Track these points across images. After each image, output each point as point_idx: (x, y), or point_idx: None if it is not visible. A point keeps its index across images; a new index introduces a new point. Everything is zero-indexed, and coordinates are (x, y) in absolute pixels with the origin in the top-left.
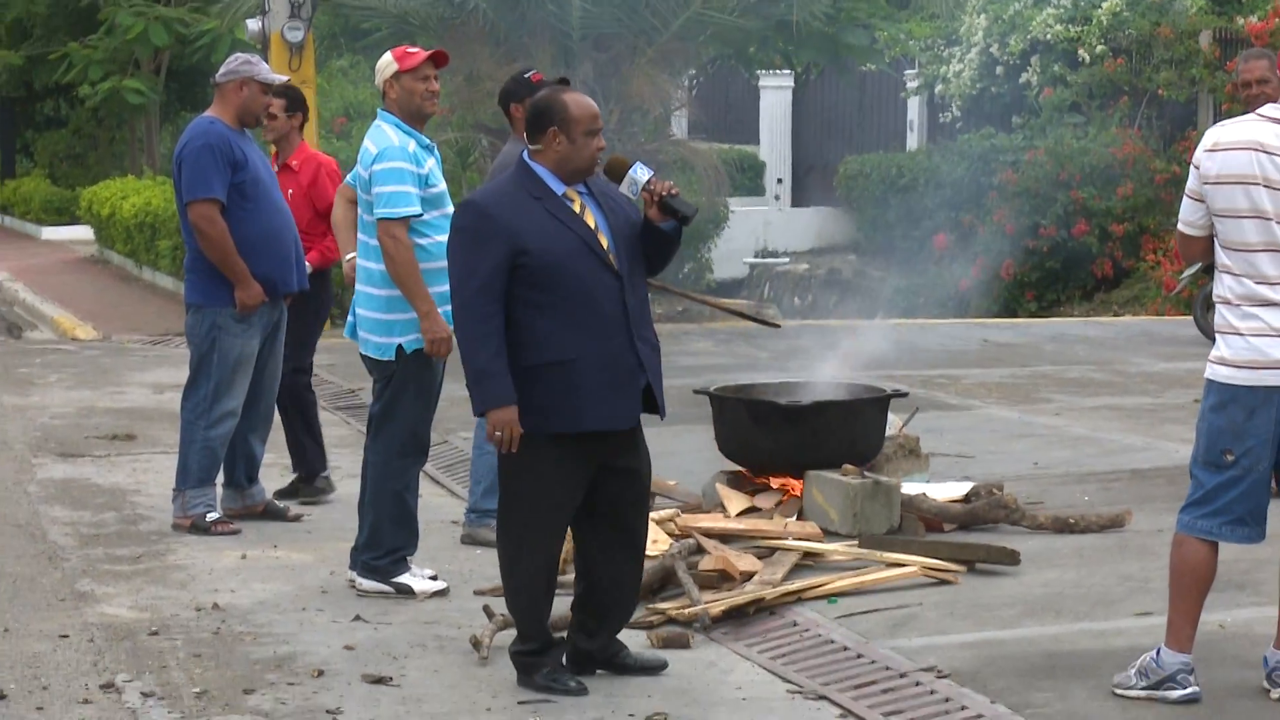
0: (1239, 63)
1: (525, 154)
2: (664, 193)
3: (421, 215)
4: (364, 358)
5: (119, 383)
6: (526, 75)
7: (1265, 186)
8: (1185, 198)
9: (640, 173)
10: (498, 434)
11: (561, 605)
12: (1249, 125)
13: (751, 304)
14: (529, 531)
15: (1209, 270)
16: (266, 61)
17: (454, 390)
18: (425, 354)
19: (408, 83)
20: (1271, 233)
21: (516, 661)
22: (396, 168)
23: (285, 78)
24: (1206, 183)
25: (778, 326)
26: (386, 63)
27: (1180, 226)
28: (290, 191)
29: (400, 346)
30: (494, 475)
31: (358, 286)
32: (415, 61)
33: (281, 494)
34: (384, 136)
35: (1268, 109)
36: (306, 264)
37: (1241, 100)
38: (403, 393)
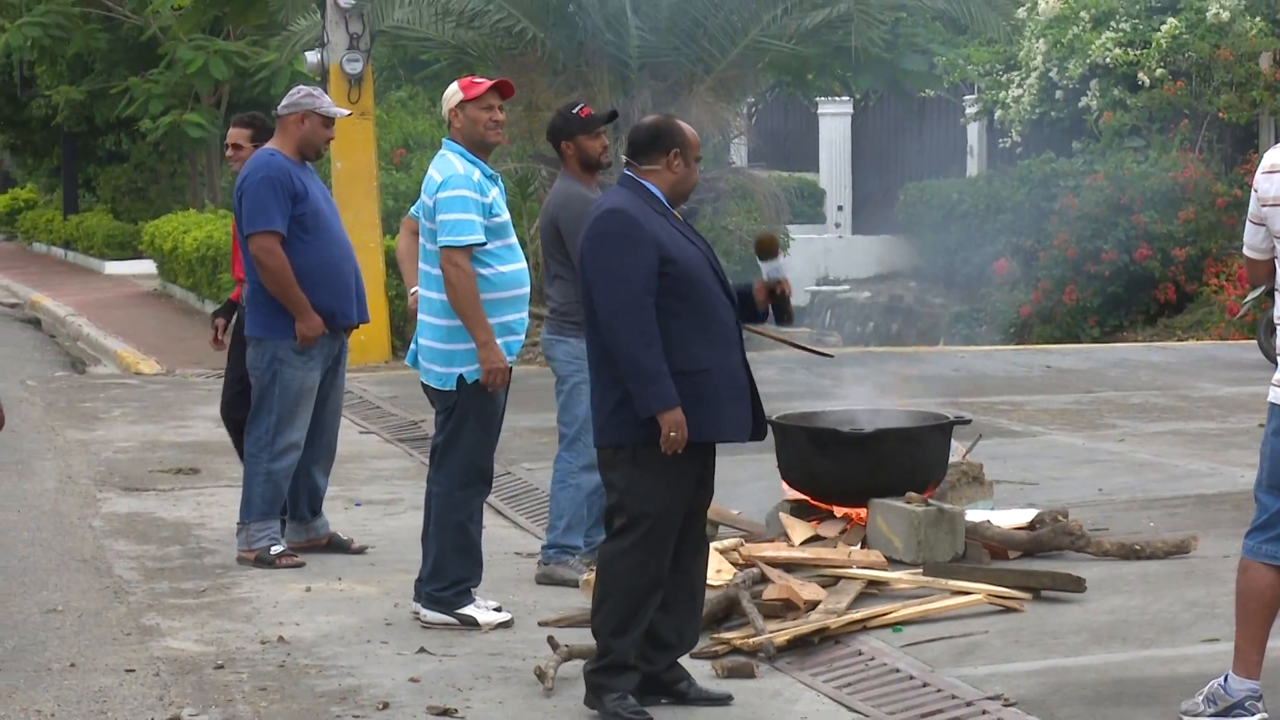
0: None
1: (629, 173)
2: (786, 293)
3: (485, 244)
4: (425, 388)
5: (182, 416)
6: (575, 110)
7: None
8: (1248, 222)
9: (784, 268)
10: (673, 435)
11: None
12: None
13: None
14: (651, 542)
15: (1272, 294)
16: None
17: (516, 421)
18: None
19: (472, 112)
20: None
21: (592, 681)
22: (461, 196)
23: (347, 110)
24: (1265, 205)
25: (829, 356)
26: (452, 92)
27: (1245, 250)
28: None
29: (461, 376)
30: (576, 509)
31: (420, 316)
32: (479, 91)
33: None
34: (449, 165)
35: None
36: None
37: None
38: (464, 423)
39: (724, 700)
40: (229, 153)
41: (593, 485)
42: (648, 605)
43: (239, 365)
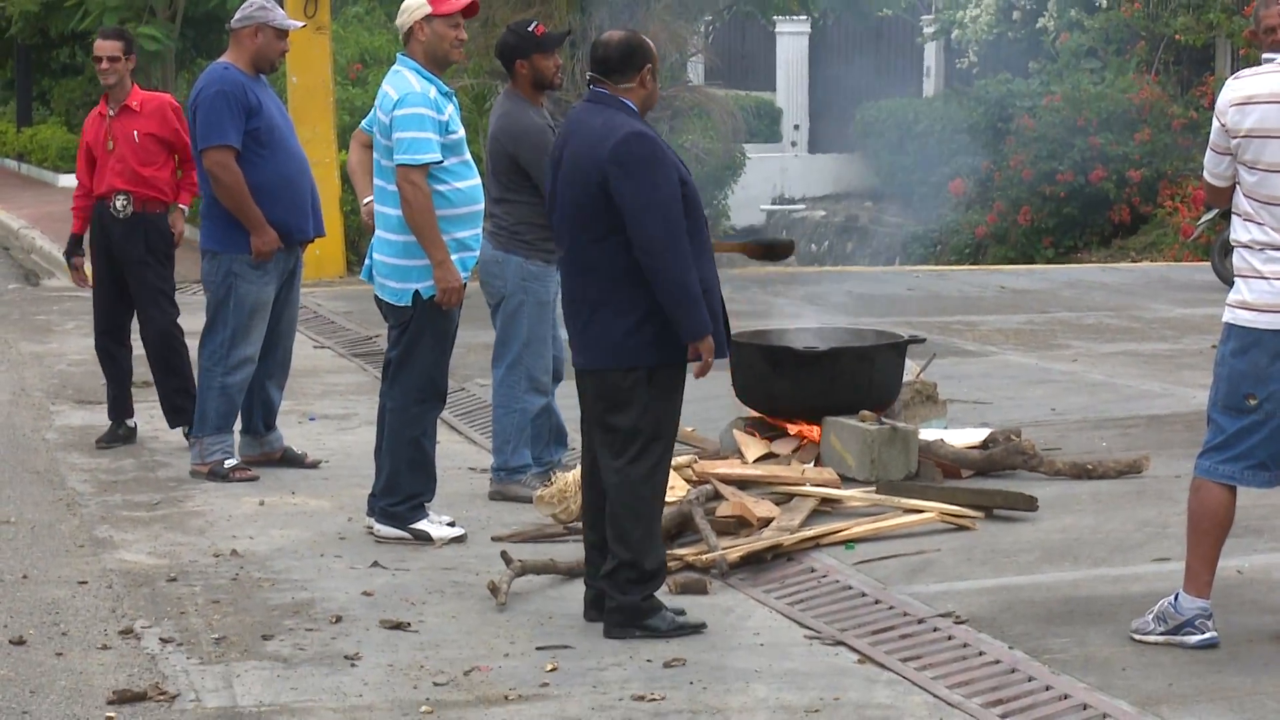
0: (1258, 7)
1: (604, 91)
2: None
3: (442, 162)
4: (379, 303)
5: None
6: (530, 28)
7: None
8: (1210, 150)
9: None
10: (709, 360)
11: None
12: (1276, 78)
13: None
14: (668, 458)
15: (1227, 216)
16: (283, 8)
17: (471, 337)
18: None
19: (440, 27)
20: None
21: (646, 608)
22: (418, 113)
23: (301, 23)
24: (1236, 136)
25: (790, 253)
26: (418, 4)
27: (1207, 178)
28: (135, 133)
29: (417, 292)
30: (522, 432)
31: (377, 232)
32: (449, 9)
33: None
34: (405, 82)
35: None
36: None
37: (1262, 46)
38: (420, 339)
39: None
40: (103, 65)
41: (538, 407)
42: (661, 519)
43: (110, 293)
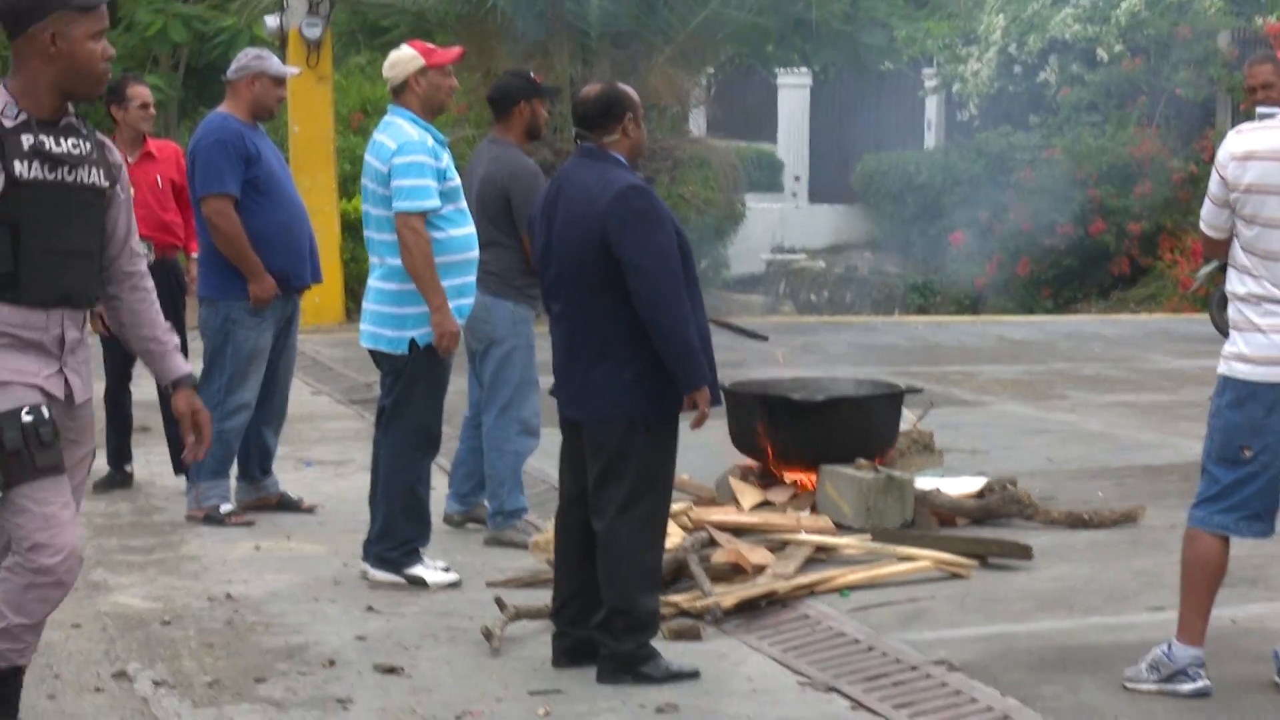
0: (1245, 67)
1: (592, 145)
2: None
3: (440, 209)
4: (372, 353)
5: (135, 375)
6: (528, 74)
7: None
8: (1209, 202)
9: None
10: (706, 412)
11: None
12: (1276, 134)
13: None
14: (661, 512)
15: (1224, 269)
16: (284, 59)
17: (464, 383)
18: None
19: (435, 78)
20: None
21: (640, 655)
22: (417, 161)
23: (296, 70)
24: (1236, 191)
25: (764, 339)
26: (410, 56)
27: (1204, 229)
28: (159, 179)
29: (414, 340)
30: (517, 476)
31: (370, 282)
32: (443, 60)
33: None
34: (402, 131)
35: None
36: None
37: (1250, 104)
38: (414, 386)
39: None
40: (148, 110)
41: (531, 449)
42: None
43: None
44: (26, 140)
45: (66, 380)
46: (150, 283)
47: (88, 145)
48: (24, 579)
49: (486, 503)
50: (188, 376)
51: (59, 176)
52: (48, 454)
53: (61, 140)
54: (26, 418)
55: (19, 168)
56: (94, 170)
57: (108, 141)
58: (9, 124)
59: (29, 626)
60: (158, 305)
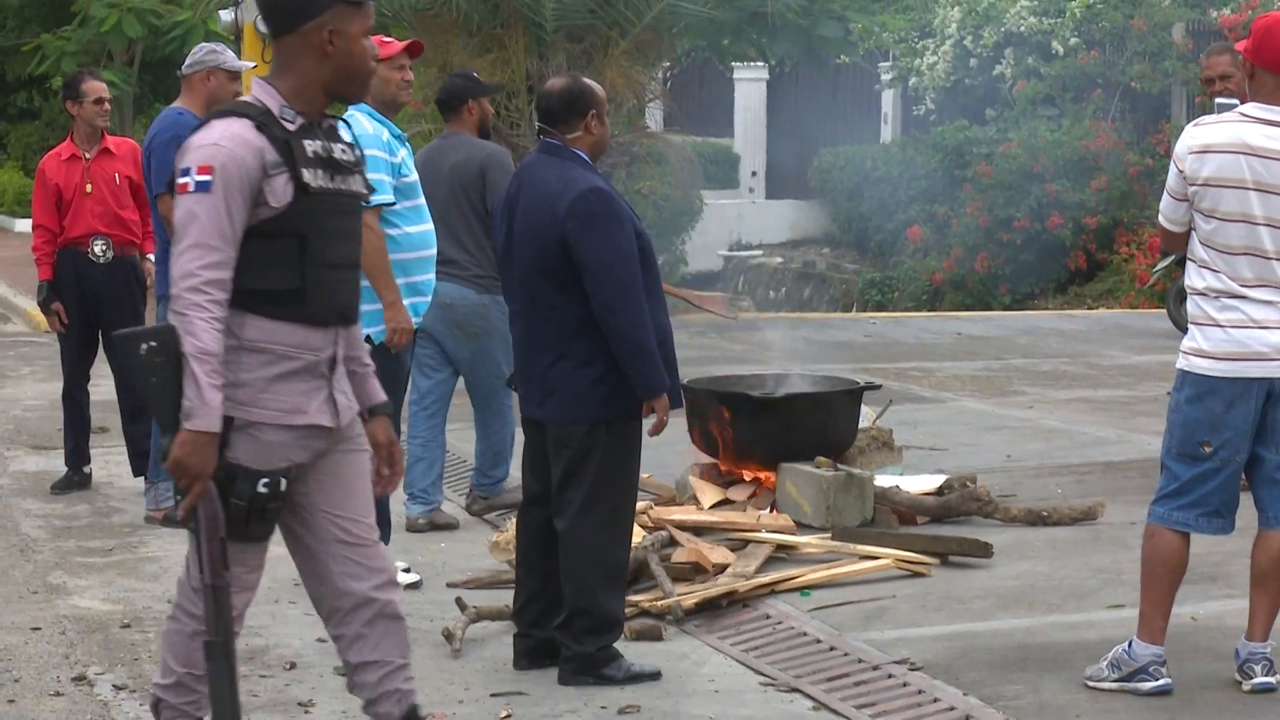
0: (1202, 58)
1: (554, 141)
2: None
3: (394, 205)
4: None
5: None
6: (472, 73)
7: (1256, 190)
8: (1167, 195)
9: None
10: (665, 419)
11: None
12: (1234, 127)
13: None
14: (625, 515)
15: (1182, 263)
16: (239, 53)
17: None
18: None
19: (384, 72)
20: (1256, 236)
21: (601, 657)
22: (371, 155)
23: (251, 64)
24: (1194, 184)
25: (733, 319)
26: None
27: (1162, 222)
28: (116, 176)
29: (368, 337)
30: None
31: None
32: (392, 51)
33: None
34: (358, 125)
35: (1250, 108)
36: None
37: (1207, 95)
38: None
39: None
40: (103, 105)
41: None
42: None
43: (81, 340)
44: (310, 146)
45: (335, 403)
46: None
47: (354, 150)
48: (189, 627)
49: (477, 476)
50: (386, 404)
51: (336, 185)
52: (263, 526)
53: (333, 145)
54: (263, 489)
55: (307, 175)
56: (359, 177)
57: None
58: (291, 128)
59: (198, 677)
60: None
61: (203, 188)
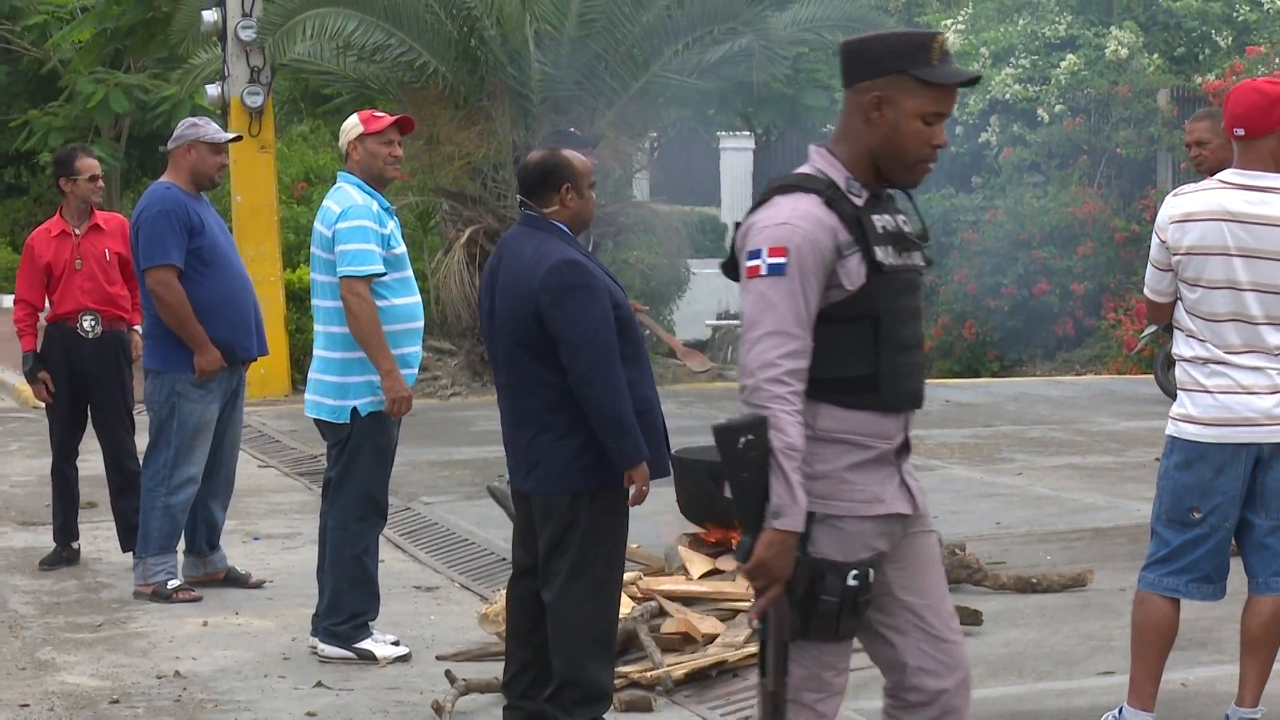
0: (1187, 123)
1: (532, 214)
2: None
3: (384, 275)
4: (317, 423)
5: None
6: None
7: (1239, 256)
8: (1151, 267)
9: None
10: (644, 489)
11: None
12: (1213, 194)
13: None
14: (613, 585)
15: (1169, 329)
16: (226, 128)
17: (416, 455)
18: (383, 415)
19: (372, 145)
20: (1241, 302)
21: None
22: (360, 226)
23: (235, 135)
24: (1177, 253)
25: (702, 373)
26: (352, 125)
27: (1148, 294)
28: (107, 252)
29: (355, 409)
30: None
31: (316, 351)
32: (381, 126)
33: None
34: (347, 196)
35: (1228, 174)
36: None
37: (1191, 160)
38: (358, 455)
39: None
40: (97, 183)
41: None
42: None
43: (70, 415)
44: (879, 221)
45: (909, 490)
46: None
47: (916, 219)
48: None
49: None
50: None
51: (904, 260)
52: (853, 622)
53: (895, 218)
54: (853, 582)
55: (880, 254)
56: (919, 252)
57: None
58: (859, 203)
59: None
60: None
61: (776, 270)
